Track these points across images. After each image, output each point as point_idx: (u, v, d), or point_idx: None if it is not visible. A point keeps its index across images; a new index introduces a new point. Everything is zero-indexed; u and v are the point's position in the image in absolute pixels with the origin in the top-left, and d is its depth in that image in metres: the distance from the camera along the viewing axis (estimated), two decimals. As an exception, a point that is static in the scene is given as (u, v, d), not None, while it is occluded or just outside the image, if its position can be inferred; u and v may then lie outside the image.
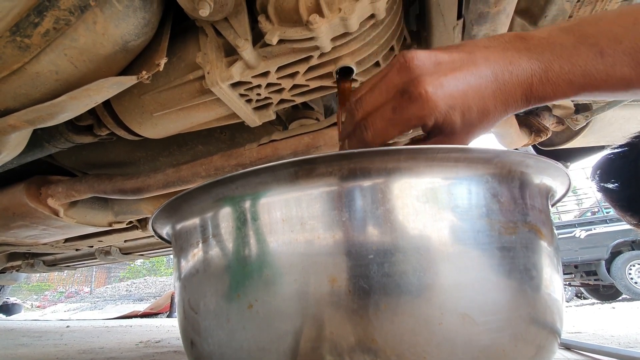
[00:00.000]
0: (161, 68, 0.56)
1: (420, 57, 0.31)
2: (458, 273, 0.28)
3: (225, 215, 0.33)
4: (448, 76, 0.30)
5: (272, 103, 0.71)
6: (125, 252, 1.89)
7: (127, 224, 1.33)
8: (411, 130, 0.41)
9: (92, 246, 1.69)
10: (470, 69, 0.31)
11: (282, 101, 0.72)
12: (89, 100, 0.57)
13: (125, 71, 0.63)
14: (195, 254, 0.35)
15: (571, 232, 5.36)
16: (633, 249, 4.98)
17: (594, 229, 5.30)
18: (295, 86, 0.67)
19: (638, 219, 0.71)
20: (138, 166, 1.08)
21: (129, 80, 0.56)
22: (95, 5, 0.48)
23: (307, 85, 0.66)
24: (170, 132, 0.78)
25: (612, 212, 5.68)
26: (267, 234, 0.30)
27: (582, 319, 2.57)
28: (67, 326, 3.24)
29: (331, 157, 0.28)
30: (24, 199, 0.98)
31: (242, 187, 0.31)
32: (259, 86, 0.65)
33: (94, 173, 1.04)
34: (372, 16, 0.55)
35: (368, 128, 0.33)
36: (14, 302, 6.21)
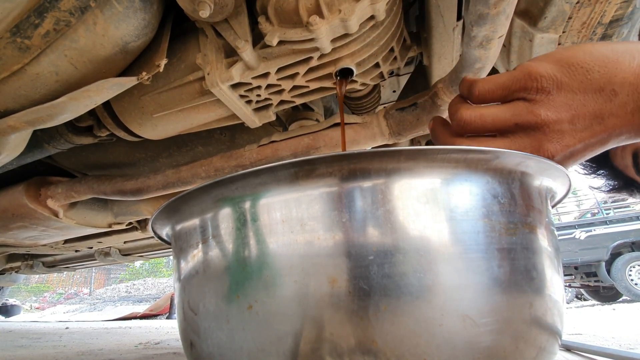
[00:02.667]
0: (161, 69, 0.56)
1: (556, 109, 0.30)
2: (458, 274, 0.27)
3: (225, 216, 0.33)
4: (576, 146, 0.31)
5: (272, 104, 0.71)
6: (125, 253, 1.89)
7: (126, 225, 1.33)
8: None
9: (91, 247, 1.69)
10: (597, 143, 0.31)
11: (282, 102, 0.72)
12: (89, 101, 0.57)
13: (125, 72, 0.63)
14: (195, 255, 0.35)
15: (571, 233, 5.35)
16: (633, 250, 4.98)
17: (594, 230, 5.30)
18: (295, 87, 0.67)
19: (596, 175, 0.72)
20: (138, 167, 1.08)
21: (129, 81, 0.56)
22: (95, 6, 0.48)
23: (307, 87, 0.66)
24: (170, 133, 0.78)
25: (613, 214, 5.69)
26: (267, 235, 0.30)
27: (582, 321, 2.56)
28: (66, 327, 3.23)
29: (331, 157, 0.28)
30: (23, 200, 0.98)
31: (242, 188, 0.31)
32: (259, 87, 0.65)
33: (94, 174, 1.04)
34: (372, 17, 0.55)
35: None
36: (13, 303, 6.20)
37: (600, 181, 0.73)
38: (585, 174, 0.75)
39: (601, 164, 0.71)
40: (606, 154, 0.68)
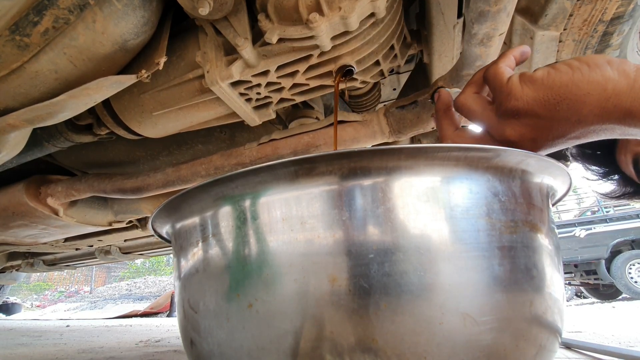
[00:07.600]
0: (161, 67, 0.56)
1: (521, 129, 0.34)
2: (459, 272, 0.27)
3: (225, 214, 0.33)
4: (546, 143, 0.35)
5: (272, 102, 0.71)
6: (125, 251, 1.89)
7: (126, 224, 1.33)
8: None
9: (92, 245, 1.69)
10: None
11: (282, 100, 0.72)
12: (89, 99, 0.57)
13: (124, 70, 0.62)
14: (195, 253, 0.35)
15: (571, 231, 5.35)
16: (633, 248, 4.98)
17: (594, 228, 5.29)
18: (295, 85, 0.66)
19: (594, 168, 0.72)
20: (138, 165, 1.08)
21: (129, 79, 0.56)
22: (94, 4, 0.48)
23: (307, 84, 0.66)
24: (170, 132, 0.78)
25: (612, 212, 5.68)
26: (267, 233, 0.30)
27: (582, 318, 2.57)
28: (67, 325, 3.24)
29: (331, 156, 0.28)
30: (23, 199, 0.97)
31: (242, 186, 0.31)
32: (258, 85, 0.65)
33: (94, 172, 1.04)
34: (372, 15, 0.55)
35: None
36: (14, 301, 6.22)
37: (611, 187, 0.73)
38: (597, 179, 0.74)
39: (613, 169, 0.71)
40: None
